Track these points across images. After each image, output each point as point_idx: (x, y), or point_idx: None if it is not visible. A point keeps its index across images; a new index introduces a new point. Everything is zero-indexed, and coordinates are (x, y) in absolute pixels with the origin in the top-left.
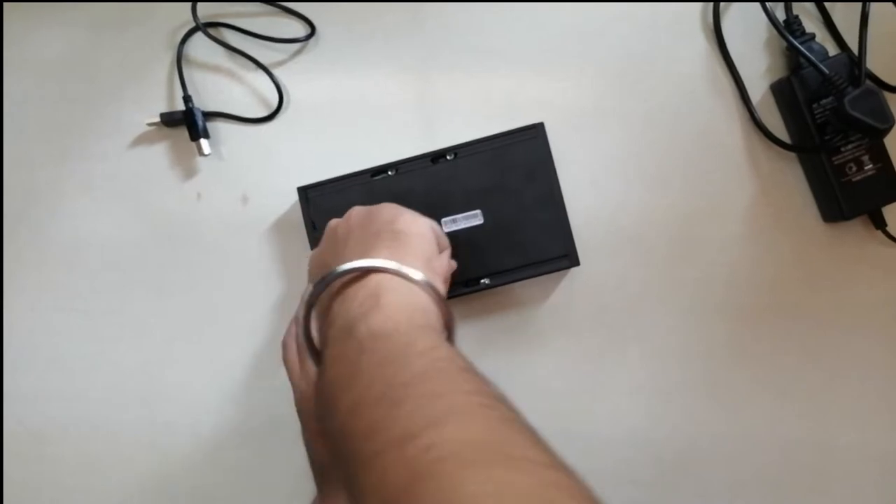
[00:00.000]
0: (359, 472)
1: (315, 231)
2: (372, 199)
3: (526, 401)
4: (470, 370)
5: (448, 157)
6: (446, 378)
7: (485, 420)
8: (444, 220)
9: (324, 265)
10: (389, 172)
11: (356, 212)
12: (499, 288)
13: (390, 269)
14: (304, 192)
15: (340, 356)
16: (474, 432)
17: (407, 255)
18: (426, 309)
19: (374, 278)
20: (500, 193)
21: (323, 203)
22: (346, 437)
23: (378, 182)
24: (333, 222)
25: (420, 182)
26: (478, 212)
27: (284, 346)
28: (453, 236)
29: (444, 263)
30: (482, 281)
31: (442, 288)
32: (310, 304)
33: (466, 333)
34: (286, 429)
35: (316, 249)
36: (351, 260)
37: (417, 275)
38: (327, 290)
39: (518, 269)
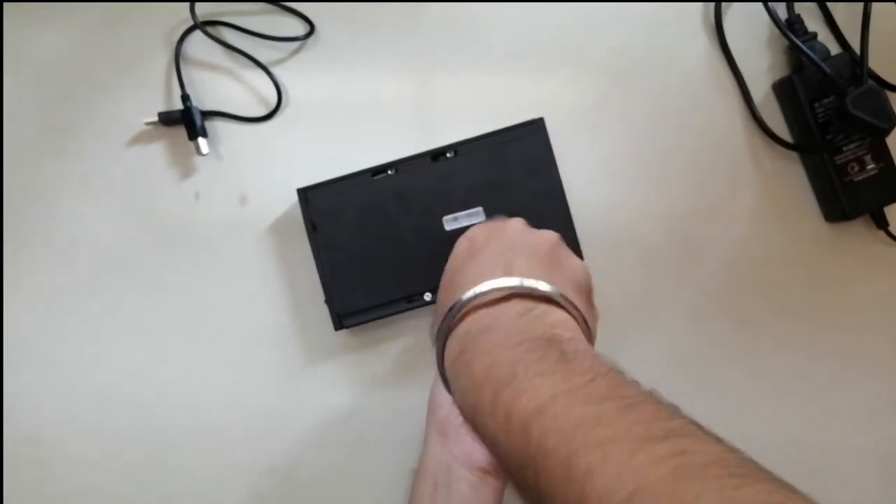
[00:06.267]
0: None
1: (315, 233)
2: (373, 199)
3: None
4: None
5: (448, 155)
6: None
7: (713, 442)
8: (445, 218)
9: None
10: (389, 172)
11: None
12: None
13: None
14: (303, 193)
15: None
16: (713, 449)
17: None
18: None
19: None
20: (501, 190)
21: (323, 204)
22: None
23: (378, 181)
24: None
25: (420, 180)
26: (479, 209)
27: None
28: (455, 235)
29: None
30: None
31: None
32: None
33: None
34: (283, 431)
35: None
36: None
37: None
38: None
39: None
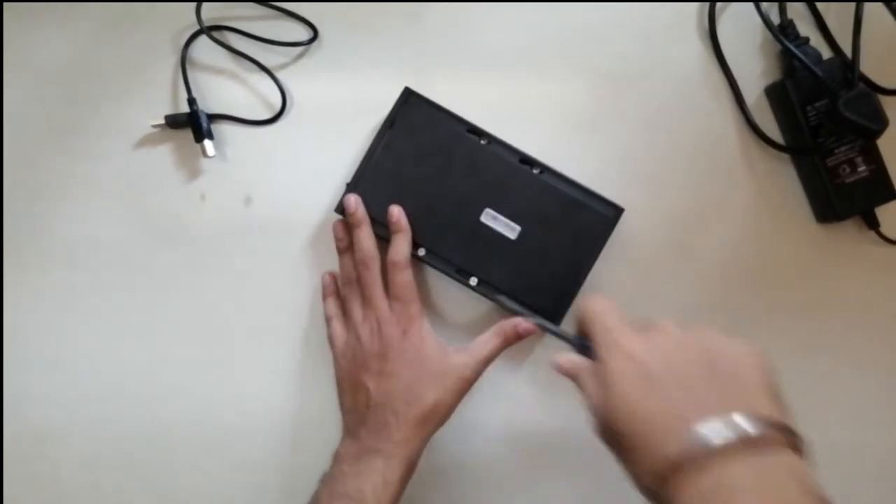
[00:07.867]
0: None
1: (389, 129)
2: (452, 148)
3: (524, 404)
4: None
5: (533, 168)
6: None
7: None
8: (487, 209)
9: (667, 413)
10: (482, 140)
11: (684, 342)
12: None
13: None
14: (408, 92)
15: None
16: None
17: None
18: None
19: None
20: (545, 230)
21: (414, 114)
22: None
23: (467, 139)
24: (639, 349)
25: (499, 166)
26: (518, 227)
27: (328, 320)
28: (485, 229)
29: None
30: (472, 279)
31: None
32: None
33: (462, 329)
34: (289, 428)
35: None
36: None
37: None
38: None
39: (507, 294)
